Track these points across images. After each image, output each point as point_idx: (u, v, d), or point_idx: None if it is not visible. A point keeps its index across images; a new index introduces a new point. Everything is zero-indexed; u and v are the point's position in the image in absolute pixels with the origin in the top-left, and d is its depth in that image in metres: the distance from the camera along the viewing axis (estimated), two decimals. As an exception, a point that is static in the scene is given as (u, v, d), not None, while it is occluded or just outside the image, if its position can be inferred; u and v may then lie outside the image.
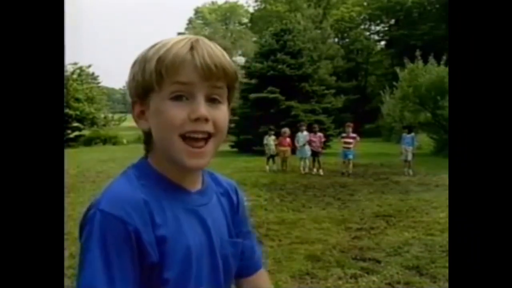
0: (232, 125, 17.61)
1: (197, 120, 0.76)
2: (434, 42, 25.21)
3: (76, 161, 13.22)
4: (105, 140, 24.13)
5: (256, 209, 6.33)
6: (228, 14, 55.63)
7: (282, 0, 39.28)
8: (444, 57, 14.58)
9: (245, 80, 18.53)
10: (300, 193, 8.11)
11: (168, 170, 0.82)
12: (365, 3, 37.21)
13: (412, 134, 11.12)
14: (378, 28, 38.33)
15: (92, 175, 10.66)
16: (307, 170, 11.04)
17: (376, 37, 38.43)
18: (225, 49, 0.81)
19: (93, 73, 33.70)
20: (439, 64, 14.87)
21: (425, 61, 15.28)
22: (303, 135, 11.27)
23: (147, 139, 0.84)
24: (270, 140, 11.65)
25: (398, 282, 3.56)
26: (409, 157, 10.53)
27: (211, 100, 0.79)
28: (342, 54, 32.62)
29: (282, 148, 11.36)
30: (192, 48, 0.76)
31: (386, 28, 37.60)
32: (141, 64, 0.79)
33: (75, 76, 24.90)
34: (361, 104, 31.09)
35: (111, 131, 25.57)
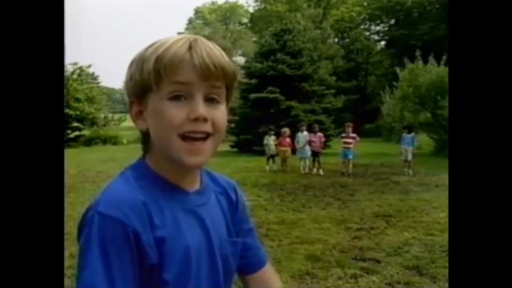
0: (232, 125, 17.63)
1: (196, 120, 0.76)
2: (434, 42, 25.22)
3: (76, 161, 13.23)
4: (105, 140, 24.17)
5: (256, 209, 6.32)
6: (228, 14, 55.61)
7: (282, 0, 39.28)
8: (444, 57, 14.59)
9: (245, 80, 18.53)
10: (300, 193, 8.11)
11: (166, 170, 0.81)
12: (365, 3, 37.20)
13: (412, 134, 11.13)
14: (378, 28, 38.35)
15: (92, 175, 10.66)
16: (307, 170, 11.04)
17: (376, 37, 38.46)
18: (224, 49, 0.80)
19: (93, 73, 33.83)
20: (439, 64, 14.87)
21: (425, 61, 15.28)
22: (303, 135, 11.27)
23: (145, 139, 0.83)
24: (270, 140, 11.65)
25: (398, 282, 3.56)
26: (409, 157, 10.53)
27: (210, 100, 0.78)
28: (342, 54, 32.63)
29: (282, 148, 11.36)
30: (190, 47, 0.76)
31: (386, 28, 37.60)
32: (138, 63, 0.78)
33: (75, 76, 24.96)
34: (361, 104, 31.09)
35: (111, 131, 25.63)
